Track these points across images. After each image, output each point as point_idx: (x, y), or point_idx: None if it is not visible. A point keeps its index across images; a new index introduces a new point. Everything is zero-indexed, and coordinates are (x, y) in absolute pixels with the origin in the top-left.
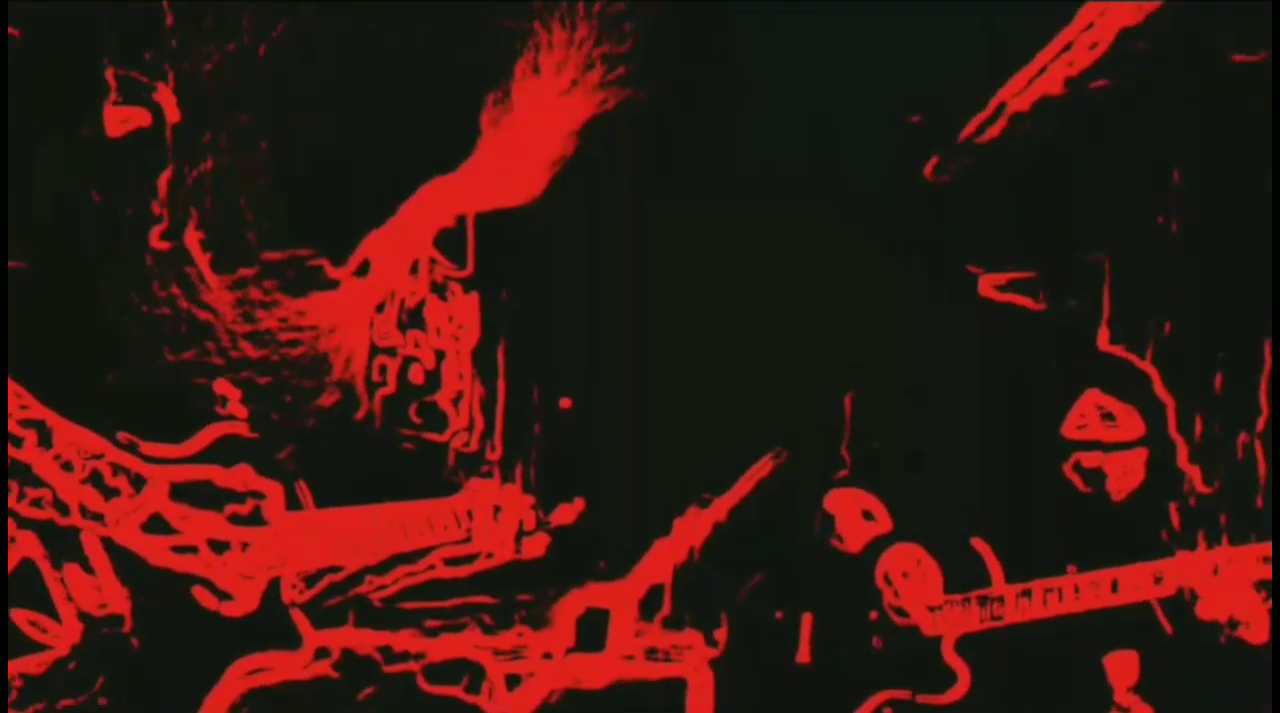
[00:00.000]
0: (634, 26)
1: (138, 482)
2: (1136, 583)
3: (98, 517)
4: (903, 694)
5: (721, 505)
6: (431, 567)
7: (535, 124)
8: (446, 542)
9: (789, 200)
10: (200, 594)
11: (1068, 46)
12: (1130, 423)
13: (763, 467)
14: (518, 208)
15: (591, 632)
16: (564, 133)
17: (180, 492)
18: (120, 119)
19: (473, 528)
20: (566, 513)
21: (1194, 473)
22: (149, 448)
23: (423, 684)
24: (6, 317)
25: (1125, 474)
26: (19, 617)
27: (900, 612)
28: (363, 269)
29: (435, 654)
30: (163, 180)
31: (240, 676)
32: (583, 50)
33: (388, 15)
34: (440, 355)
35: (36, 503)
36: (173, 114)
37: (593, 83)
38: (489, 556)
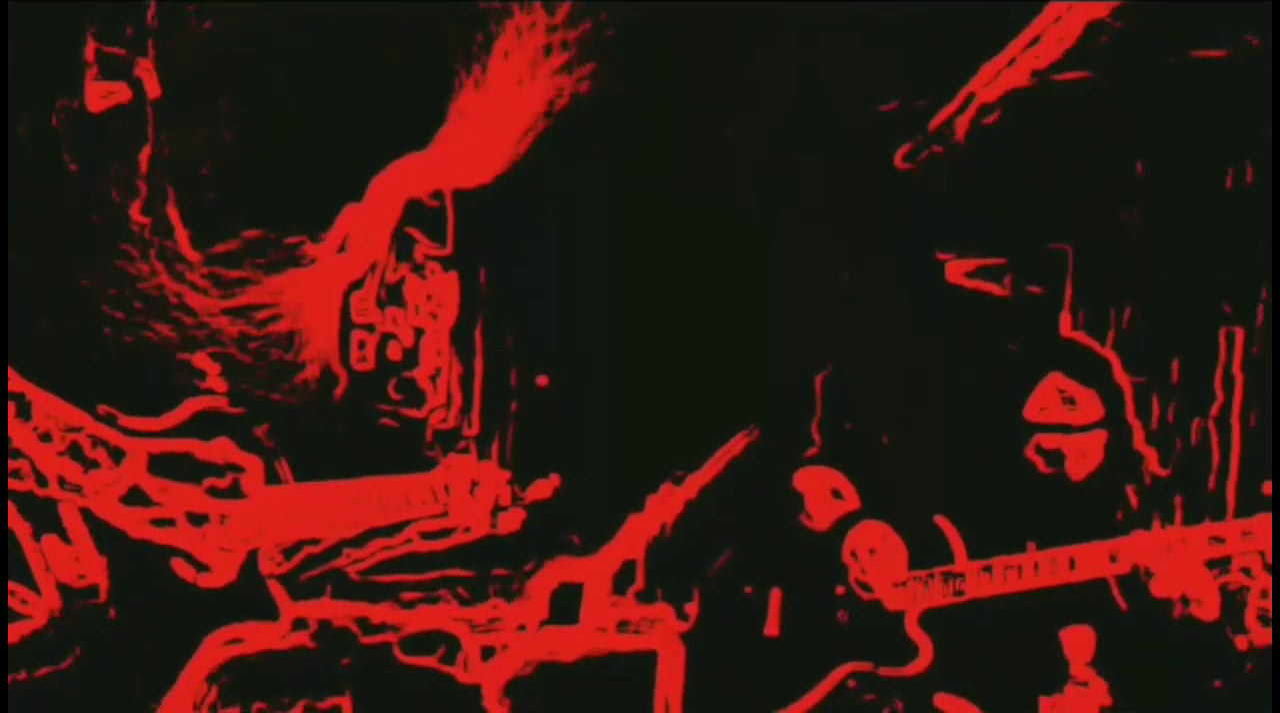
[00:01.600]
0: (608, 14)
1: (117, 454)
2: (1093, 561)
3: (76, 488)
4: (866, 667)
5: (694, 483)
6: (409, 540)
7: (507, 100)
8: (423, 516)
9: (764, 184)
10: (178, 566)
11: (1036, 39)
12: (1090, 407)
13: (735, 445)
14: (489, 184)
15: (565, 605)
16: (536, 109)
17: (159, 464)
18: (102, 94)
19: (450, 503)
20: (542, 489)
21: (1150, 456)
22: (128, 421)
23: (399, 655)
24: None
25: (1084, 456)
26: None
27: (865, 587)
28: (343, 246)
29: (411, 626)
30: (143, 155)
31: (218, 645)
32: (556, 31)
33: None
34: (419, 333)
35: (15, 474)
36: (153, 89)
37: (562, 64)
38: (465, 530)
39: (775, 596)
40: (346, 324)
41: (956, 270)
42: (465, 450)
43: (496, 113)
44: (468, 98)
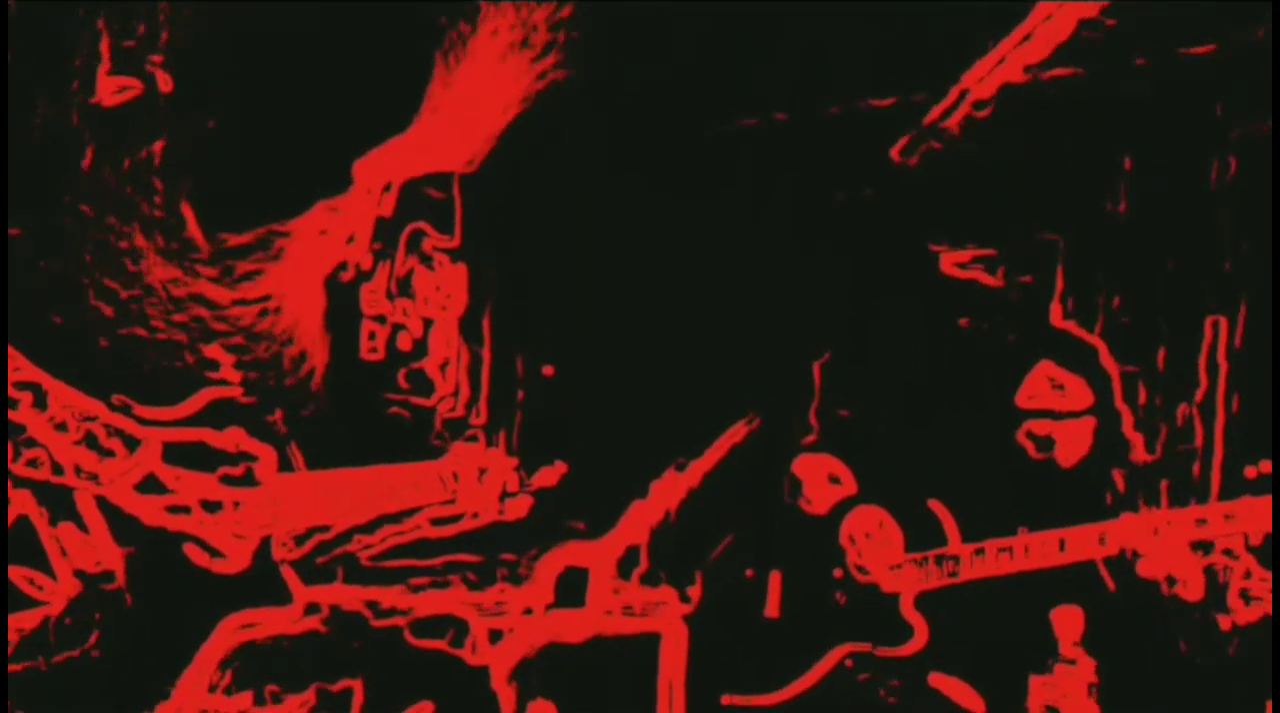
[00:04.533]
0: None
1: (131, 443)
2: (1082, 543)
3: (92, 476)
4: (863, 647)
5: (697, 469)
6: (418, 527)
7: (486, 86)
8: (433, 503)
9: (765, 177)
10: (193, 552)
11: (1028, 37)
12: (1079, 393)
13: (736, 433)
14: (477, 172)
15: (571, 589)
16: (517, 95)
17: (173, 453)
18: (115, 89)
19: (458, 490)
20: (548, 475)
21: (1137, 441)
22: (143, 410)
23: (409, 638)
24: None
25: (1074, 442)
26: (16, 574)
27: (862, 570)
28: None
29: (421, 610)
30: (157, 148)
31: (231, 630)
32: (537, 17)
33: None
34: (428, 323)
35: (32, 463)
36: (165, 84)
37: (543, 48)
38: (474, 516)
39: (775, 578)
40: (356, 315)
41: (950, 261)
42: (473, 439)
43: (476, 98)
44: (446, 84)
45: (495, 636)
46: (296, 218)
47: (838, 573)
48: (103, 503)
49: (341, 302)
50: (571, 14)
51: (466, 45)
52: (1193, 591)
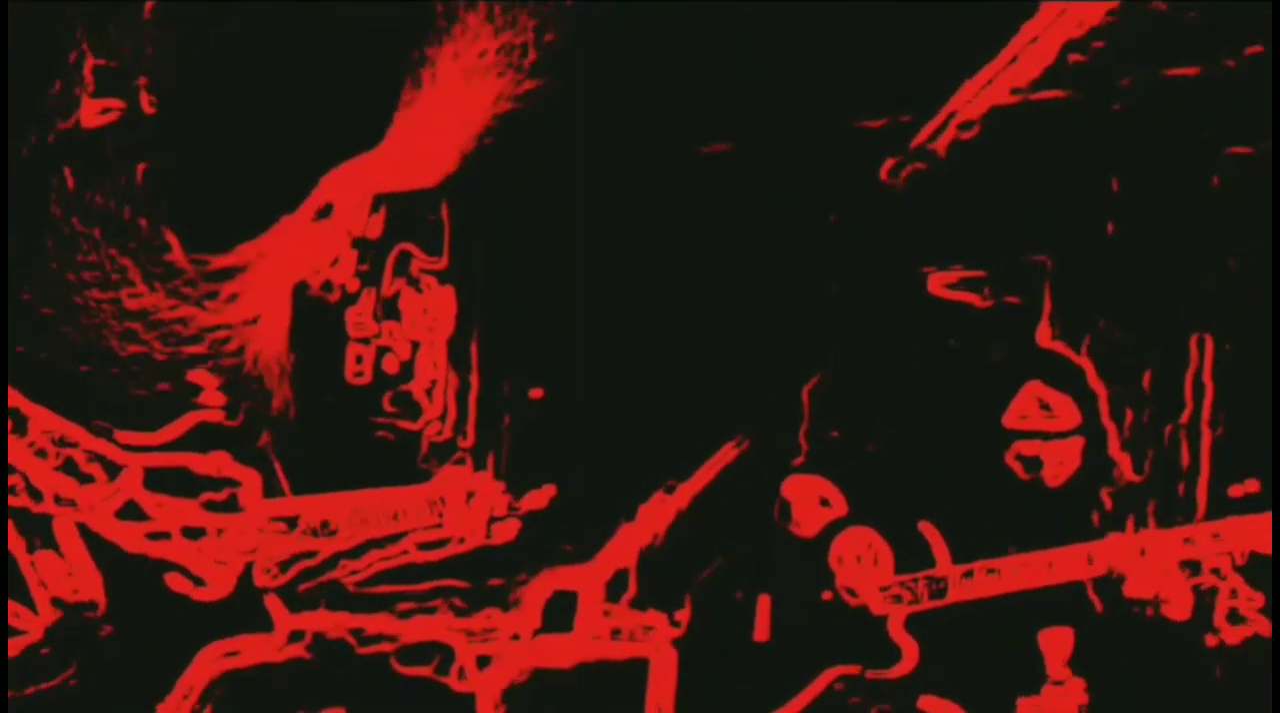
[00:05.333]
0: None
1: (112, 469)
2: (1070, 564)
3: (72, 503)
4: (853, 670)
5: (685, 492)
6: (405, 552)
7: (454, 103)
8: (419, 528)
9: (753, 198)
10: (174, 580)
11: (1014, 59)
12: (1067, 414)
13: (725, 455)
14: (435, 188)
15: (559, 614)
16: (483, 114)
17: (155, 479)
18: (97, 110)
19: (445, 514)
20: (537, 499)
21: (1124, 462)
22: (124, 435)
23: (395, 666)
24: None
25: (1062, 462)
26: None
27: (852, 592)
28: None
29: (408, 637)
30: (139, 170)
31: (213, 659)
32: (507, 33)
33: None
34: (415, 346)
35: (10, 490)
36: (148, 106)
37: (515, 66)
38: (461, 541)
39: (764, 601)
40: (342, 337)
41: (938, 282)
42: (461, 462)
43: (441, 114)
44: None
45: (483, 662)
46: (266, 237)
47: (827, 596)
48: (83, 530)
49: (326, 324)
50: (551, 33)
51: (435, 66)
52: (1180, 611)
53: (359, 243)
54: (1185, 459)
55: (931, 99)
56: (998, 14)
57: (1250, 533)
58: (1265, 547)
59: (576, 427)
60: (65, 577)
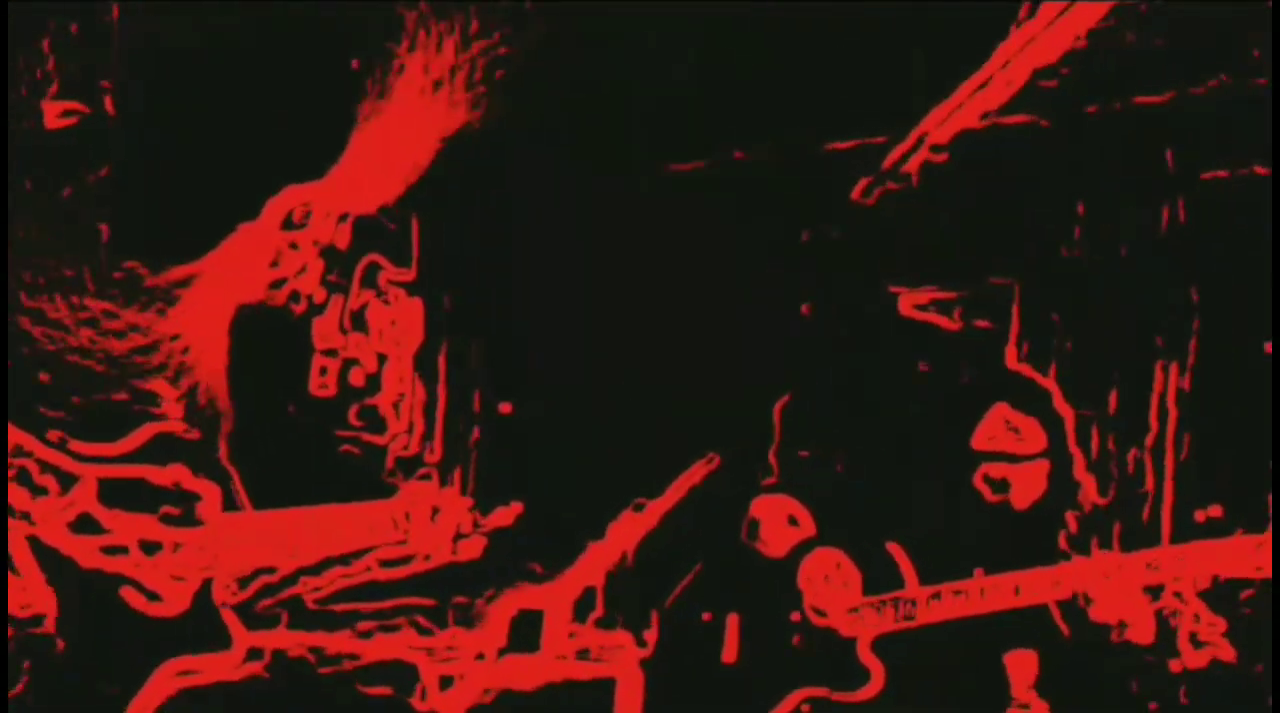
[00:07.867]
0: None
1: (66, 480)
2: (1036, 587)
3: (24, 516)
4: (820, 692)
5: (655, 510)
6: (368, 568)
7: (419, 115)
8: (383, 543)
9: (726, 219)
10: (129, 595)
11: (985, 83)
12: (1033, 437)
13: (695, 473)
14: (392, 205)
15: (525, 633)
16: (451, 126)
17: (111, 491)
18: (58, 113)
19: (410, 530)
20: (504, 516)
21: (1089, 484)
22: (79, 446)
23: (356, 686)
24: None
25: (1029, 485)
26: None
27: (820, 613)
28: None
29: (369, 655)
30: (101, 175)
31: (169, 677)
32: (477, 44)
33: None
34: (382, 359)
35: None
36: (111, 109)
37: (484, 80)
38: (426, 558)
39: (732, 621)
40: (308, 349)
41: (908, 302)
42: (426, 477)
43: (395, 135)
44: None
45: (446, 682)
46: (226, 244)
47: (795, 616)
48: (35, 543)
49: (291, 335)
50: (520, 48)
51: (402, 76)
52: (1142, 634)
53: (326, 252)
54: (1149, 483)
55: (903, 121)
56: (970, 38)
57: (1213, 558)
58: (1227, 571)
59: (546, 443)
60: (16, 591)
